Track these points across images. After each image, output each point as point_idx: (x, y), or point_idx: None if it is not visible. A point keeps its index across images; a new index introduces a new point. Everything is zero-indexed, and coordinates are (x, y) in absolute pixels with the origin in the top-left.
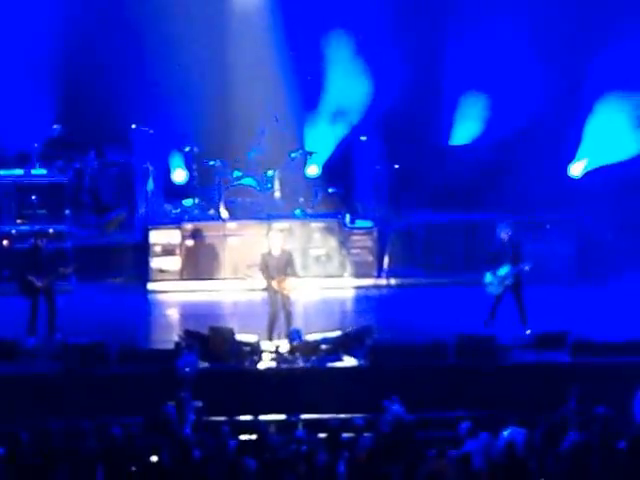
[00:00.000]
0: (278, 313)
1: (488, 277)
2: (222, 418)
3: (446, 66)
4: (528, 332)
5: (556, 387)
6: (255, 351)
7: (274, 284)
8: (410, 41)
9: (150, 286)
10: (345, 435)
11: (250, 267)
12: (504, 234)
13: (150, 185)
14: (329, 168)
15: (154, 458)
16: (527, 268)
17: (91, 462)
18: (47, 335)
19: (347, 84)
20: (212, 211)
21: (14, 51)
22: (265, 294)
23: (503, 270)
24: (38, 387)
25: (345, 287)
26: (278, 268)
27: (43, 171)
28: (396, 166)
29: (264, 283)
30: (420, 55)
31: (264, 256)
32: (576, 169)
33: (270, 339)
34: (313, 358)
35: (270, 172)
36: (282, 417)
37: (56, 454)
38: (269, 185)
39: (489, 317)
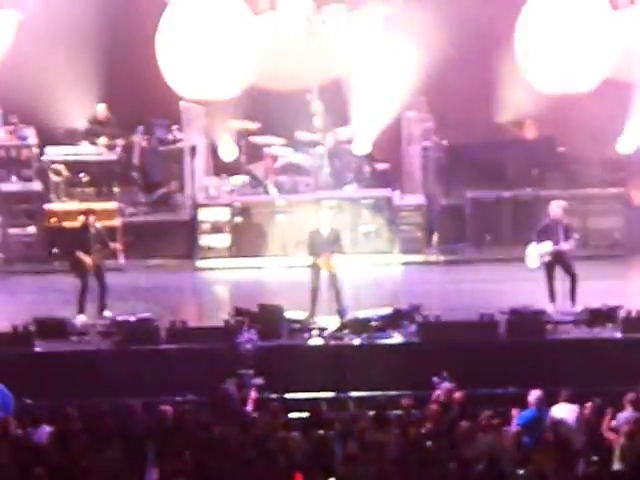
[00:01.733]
0: (319, 290)
1: (529, 249)
2: (274, 395)
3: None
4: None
5: (607, 363)
6: (305, 328)
7: (320, 262)
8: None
9: (199, 264)
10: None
11: (298, 244)
12: (554, 212)
13: (198, 162)
14: (378, 144)
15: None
16: (567, 247)
17: (141, 439)
18: (97, 313)
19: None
20: (261, 188)
21: (58, 26)
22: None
23: (545, 246)
24: (88, 365)
25: (394, 264)
26: (326, 246)
27: (91, 148)
28: (444, 142)
29: (310, 260)
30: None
31: (312, 234)
32: (625, 145)
33: (313, 315)
34: (363, 335)
35: (319, 149)
36: (332, 394)
37: (106, 431)
38: (318, 162)
39: (551, 297)
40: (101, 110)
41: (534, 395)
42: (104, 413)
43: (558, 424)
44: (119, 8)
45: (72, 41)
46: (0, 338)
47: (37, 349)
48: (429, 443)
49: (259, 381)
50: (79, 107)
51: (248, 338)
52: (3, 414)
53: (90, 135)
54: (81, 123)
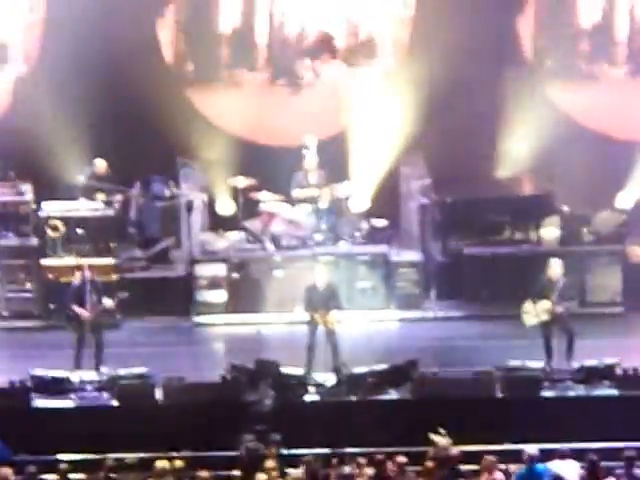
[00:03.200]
0: (316, 346)
1: (526, 306)
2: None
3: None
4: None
5: (603, 420)
6: (301, 384)
7: (317, 317)
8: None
9: (196, 319)
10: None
11: (295, 299)
12: (553, 270)
13: (195, 218)
14: (375, 201)
15: None
16: (564, 309)
17: None
18: (94, 369)
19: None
20: (257, 244)
21: (57, 81)
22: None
23: (543, 304)
24: (86, 420)
25: (391, 320)
26: (322, 301)
27: (88, 204)
28: (448, 199)
29: (308, 316)
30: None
31: (309, 289)
32: (625, 199)
33: (309, 372)
34: (359, 391)
35: (315, 205)
36: (329, 450)
37: None
38: (314, 218)
39: (547, 357)
40: (100, 165)
41: (528, 452)
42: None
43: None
44: (118, 64)
45: (70, 96)
46: None
47: (34, 404)
48: None
49: (278, 437)
50: (76, 163)
51: (265, 394)
52: None
53: (88, 191)
54: (79, 179)
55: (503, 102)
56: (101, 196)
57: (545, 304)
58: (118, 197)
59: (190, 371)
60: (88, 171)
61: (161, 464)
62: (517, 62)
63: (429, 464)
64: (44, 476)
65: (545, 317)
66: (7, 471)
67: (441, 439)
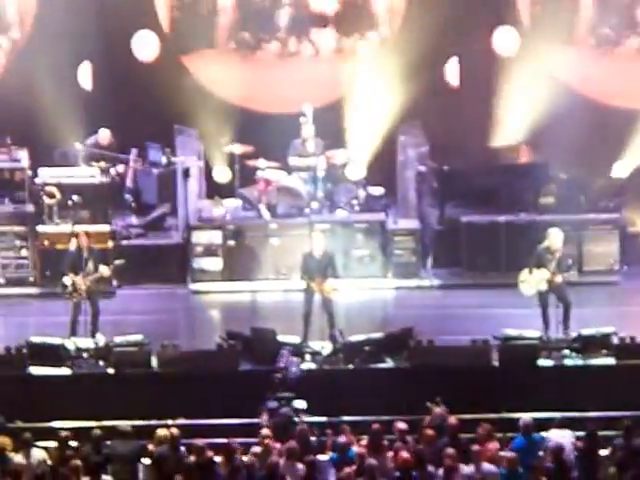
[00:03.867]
0: (311, 314)
1: (524, 275)
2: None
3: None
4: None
5: (600, 390)
6: (297, 352)
7: (314, 285)
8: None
9: (192, 287)
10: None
11: (291, 267)
12: (554, 241)
13: (192, 185)
14: (372, 168)
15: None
16: (562, 279)
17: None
18: (90, 336)
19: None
20: (254, 211)
21: (55, 46)
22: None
23: (541, 273)
24: (81, 388)
25: (387, 288)
26: (319, 269)
27: (85, 171)
28: (445, 167)
29: (304, 284)
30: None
31: (305, 257)
32: (622, 168)
33: (305, 340)
34: (356, 360)
35: (312, 173)
36: (325, 419)
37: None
38: (311, 186)
39: (545, 326)
40: (104, 135)
41: (524, 421)
42: (98, 437)
43: (560, 450)
44: (114, 30)
45: (68, 61)
46: None
47: (30, 371)
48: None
49: (304, 404)
50: (73, 130)
51: (290, 362)
52: None
53: (91, 159)
54: (79, 146)
55: (500, 70)
56: (101, 165)
57: (543, 273)
58: (120, 167)
59: (186, 339)
60: (91, 139)
61: (161, 431)
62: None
63: (428, 432)
64: (41, 443)
65: (543, 286)
66: (4, 440)
67: (437, 407)
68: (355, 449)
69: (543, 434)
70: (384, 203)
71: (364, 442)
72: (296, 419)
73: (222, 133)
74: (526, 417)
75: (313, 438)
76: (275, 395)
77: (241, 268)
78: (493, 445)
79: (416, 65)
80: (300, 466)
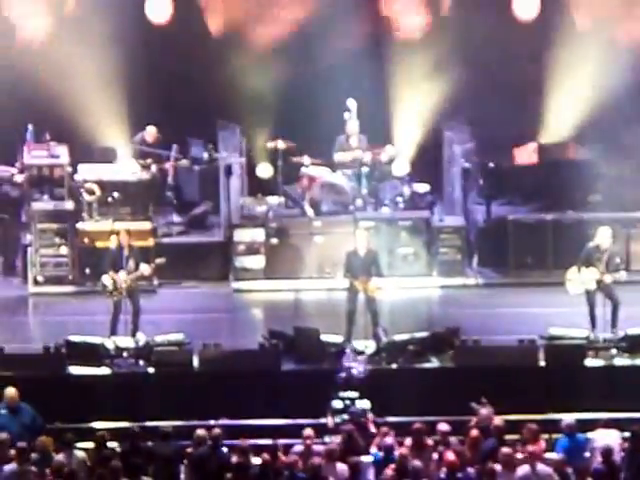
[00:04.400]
0: (355, 313)
1: (571, 274)
2: (307, 421)
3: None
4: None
5: None
6: (341, 352)
7: (357, 284)
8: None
9: (234, 285)
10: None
11: (335, 266)
12: (603, 239)
13: (234, 182)
14: (417, 165)
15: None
16: (611, 279)
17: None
18: (130, 335)
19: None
20: (297, 209)
21: (96, 42)
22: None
23: (590, 272)
24: (121, 388)
25: (432, 286)
26: (363, 268)
27: (125, 167)
28: (491, 164)
29: (347, 282)
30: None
31: (349, 255)
32: None
33: (349, 339)
34: (400, 359)
35: (357, 169)
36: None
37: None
38: (356, 182)
39: (592, 325)
40: (151, 132)
41: (567, 422)
42: (137, 436)
43: (609, 451)
44: (159, 28)
45: (109, 58)
46: (32, 359)
47: (69, 371)
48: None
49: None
50: (113, 126)
51: (354, 361)
52: (32, 436)
53: (137, 157)
54: (116, 142)
55: (551, 67)
56: (148, 162)
57: (592, 272)
58: (167, 165)
59: (228, 338)
60: (138, 136)
61: (201, 432)
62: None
63: (473, 433)
64: (80, 444)
65: (592, 286)
66: (47, 440)
67: (483, 408)
68: (397, 450)
69: (589, 435)
70: (429, 200)
71: (407, 443)
72: (362, 419)
73: (265, 129)
74: (569, 418)
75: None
76: (339, 395)
77: (284, 266)
78: (539, 446)
79: (465, 59)
80: (342, 467)
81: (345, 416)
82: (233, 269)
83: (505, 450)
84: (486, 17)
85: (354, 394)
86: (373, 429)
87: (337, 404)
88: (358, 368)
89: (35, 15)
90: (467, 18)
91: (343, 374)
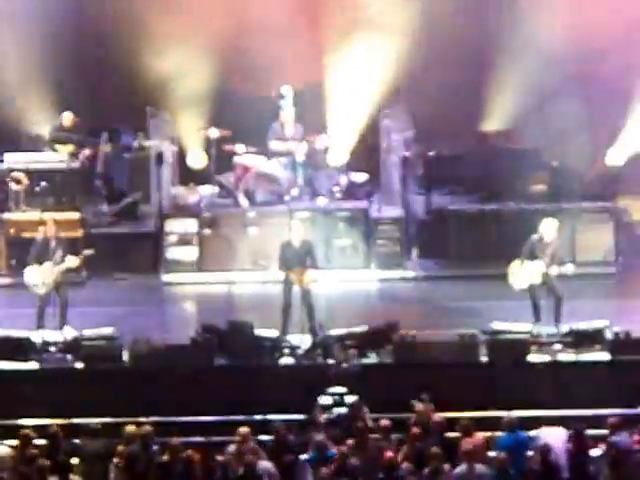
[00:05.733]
0: (291, 306)
1: (514, 267)
2: (240, 417)
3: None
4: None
5: (593, 386)
6: (276, 347)
7: (293, 276)
8: None
9: (165, 277)
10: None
11: (269, 257)
12: (548, 231)
13: (166, 171)
14: (355, 154)
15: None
16: (557, 272)
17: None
18: (58, 329)
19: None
20: (231, 199)
21: (21, 26)
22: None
23: (534, 265)
24: (47, 383)
25: (371, 280)
26: (298, 259)
27: (53, 156)
28: (431, 153)
29: (282, 275)
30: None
31: (284, 246)
32: (616, 156)
33: (284, 333)
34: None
35: (292, 158)
36: (304, 417)
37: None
38: (291, 172)
39: (535, 319)
40: (67, 118)
41: (507, 418)
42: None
43: (546, 451)
44: (86, 9)
45: (34, 43)
46: None
47: None
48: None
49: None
50: (40, 113)
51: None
52: None
53: (55, 143)
54: (43, 130)
55: (490, 50)
56: (69, 149)
57: (537, 265)
58: (86, 151)
59: (159, 332)
60: (55, 123)
61: (130, 429)
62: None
63: (414, 430)
64: (5, 441)
65: (537, 279)
66: None
67: (422, 405)
68: (335, 448)
69: (534, 432)
70: (367, 190)
71: (348, 441)
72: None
73: (197, 116)
74: (510, 414)
75: (291, 437)
76: (327, 390)
77: (217, 258)
78: (479, 439)
79: (404, 44)
80: (269, 465)
81: (340, 410)
82: (164, 261)
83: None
84: None
85: (343, 389)
86: (370, 423)
87: (325, 400)
88: (351, 363)
89: None
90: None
91: (333, 369)
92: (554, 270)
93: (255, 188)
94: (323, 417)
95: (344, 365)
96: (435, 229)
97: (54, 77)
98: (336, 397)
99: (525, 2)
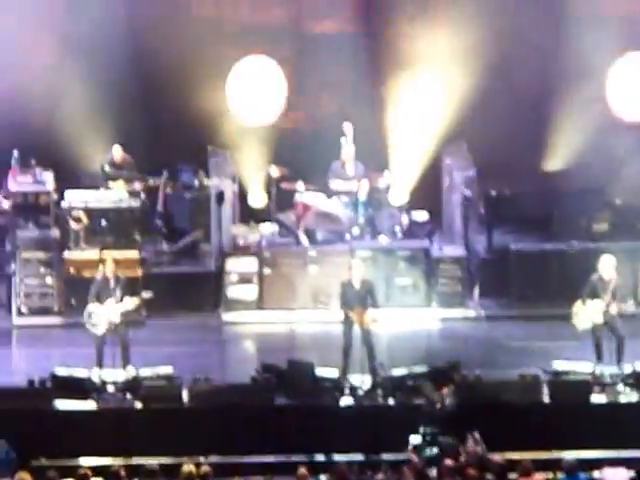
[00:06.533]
0: (351, 346)
1: (577, 307)
2: (300, 457)
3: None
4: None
5: None
6: (336, 387)
7: (353, 315)
8: None
9: (225, 317)
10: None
11: (329, 296)
12: (605, 269)
13: (226, 210)
14: (416, 193)
15: None
16: (618, 310)
17: None
18: (122, 368)
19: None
20: (291, 237)
21: (78, 62)
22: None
23: (595, 304)
24: (107, 423)
25: (432, 319)
26: (358, 299)
27: (113, 194)
28: (493, 192)
29: (343, 314)
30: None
31: (344, 285)
32: None
33: (344, 374)
34: (398, 394)
35: (353, 197)
36: (364, 457)
37: None
38: (352, 211)
39: (598, 360)
40: (117, 152)
41: (567, 460)
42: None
43: None
44: (149, 42)
45: (95, 77)
46: (16, 393)
47: (54, 405)
48: None
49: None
50: (100, 150)
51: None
52: (6, 471)
53: (107, 179)
54: (100, 167)
55: (553, 91)
56: (120, 184)
57: (597, 304)
58: (138, 185)
59: (219, 371)
60: (106, 158)
61: (188, 469)
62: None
63: (470, 472)
64: None
65: (598, 319)
66: (25, 475)
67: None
68: None
69: (596, 473)
70: (428, 229)
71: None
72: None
73: (258, 154)
74: (569, 456)
75: (353, 478)
76: (420, 430)
77: (277, 297)
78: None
79: (465, 83)
80: None
81: (434, 450)
82: (224, 300)
83: None
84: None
85: (434, 429)
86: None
87: (415, 439)
88: (446, 402)
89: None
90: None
91: (427, 408)
92: (614, 308)
93: (316, 227)
94: (414, 457)
95: (437, 405)
96: (497, 268)
97: (114, 113)
98: (427, 437)
99: None
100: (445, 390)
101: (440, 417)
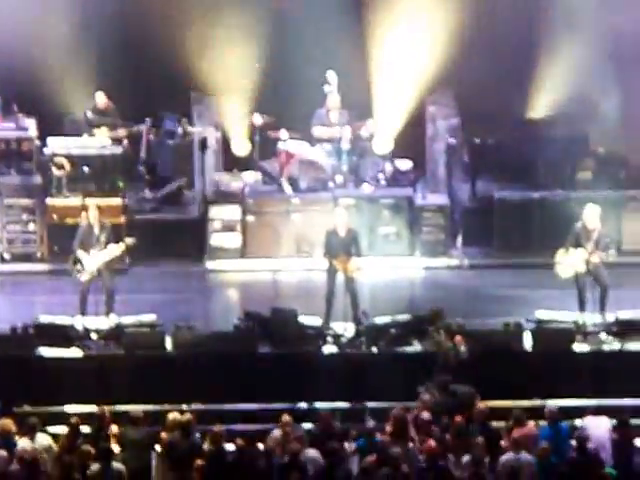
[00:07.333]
0: (334, 295)
1: (560, 256)
2: (283, 405)
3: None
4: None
5: (638, 375)
6: (319, 335)
7: (337, 264)
8: None
9: (209, 264)
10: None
11: (313, 245)
12: (590, 218)
13: (209, 157)
14: (400, 141)
15: None
16: (600, 259)
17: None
18: (104, 316)
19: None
20: (274, 185)
21: (62, 9)
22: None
23: (578, 253)
24: (91, 370)
25: (415, 267)
26: (342, 247)
27: (96, 141)
28: (476, 140)
29: (326, 262)
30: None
31: (328, 234)
32: None
33: (327, 321)
34: (380, 343)
35: (337, 145)
36: (347, 405)
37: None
38: (335, 159)
39: (581, 309)
40: (100, 98)
41: (549, 409)
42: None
43: (585, 439)
44: None
45: (78, 26)
46: None
47: (38, 352)
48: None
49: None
50: (84, 96)
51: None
52: None
53: (89, 125)
54: (83, 113)
55: (539, 37)
56: (103, 131)
57: (581, 253)
58: (122, 132)
59: (202, 319)
60: (89, 105)
61: (172, 417)
62: None
63: (457, 419)
64: (50, 428)
65: (581, 268)
66: (8, 423)
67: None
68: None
69: (578, 422)
70: (412, 177)
71: (387, 429)
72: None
73: (241, 102)
74: (551, 405)
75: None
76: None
77: (261, 245)
78: (527, 430)
79: (450, 30)
80: (314, 453)
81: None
82: (208, 248)
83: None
84: None
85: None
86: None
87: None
88: (461, 351)
89: None
90: None
91: (440, 357)
92: (596, 256)
93: (299, 175)
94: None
95: (451, 353)
96: (480, 217)
97: (97, 61)
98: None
99: None
100: (458, 338)
101: (454, 366)
